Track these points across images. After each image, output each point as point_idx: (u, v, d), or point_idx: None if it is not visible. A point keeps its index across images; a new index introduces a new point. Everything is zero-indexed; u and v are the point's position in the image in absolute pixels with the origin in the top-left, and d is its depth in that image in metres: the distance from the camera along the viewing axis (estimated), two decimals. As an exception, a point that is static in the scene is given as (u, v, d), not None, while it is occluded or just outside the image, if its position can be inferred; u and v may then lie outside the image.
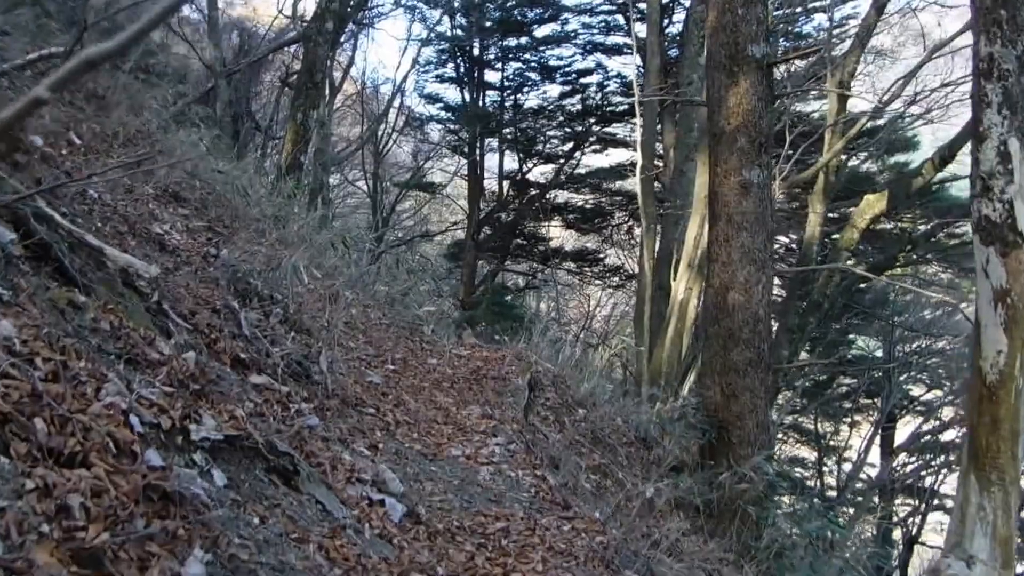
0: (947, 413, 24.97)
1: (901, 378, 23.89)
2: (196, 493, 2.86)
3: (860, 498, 22.40)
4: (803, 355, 17.46)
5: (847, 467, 24.42)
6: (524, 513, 4.93)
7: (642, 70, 15.82)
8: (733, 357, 8.56)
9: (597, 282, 22.99)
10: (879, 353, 24.78)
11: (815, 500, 9.03)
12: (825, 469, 24.71)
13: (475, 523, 4.64)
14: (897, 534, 22.35)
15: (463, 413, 6.95)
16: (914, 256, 19.58)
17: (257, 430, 3.81)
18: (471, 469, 5.50)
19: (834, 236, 18.38)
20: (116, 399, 3.03)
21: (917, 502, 24.46)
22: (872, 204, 15.66)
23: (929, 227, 18.93)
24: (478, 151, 21.44)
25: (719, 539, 7.70)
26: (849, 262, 16.07)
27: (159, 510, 2.70)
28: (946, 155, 15.46)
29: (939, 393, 25.60)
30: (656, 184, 15.83)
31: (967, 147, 17.22)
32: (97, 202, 5.96)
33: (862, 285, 18.99)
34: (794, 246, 22.21)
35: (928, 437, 24.68)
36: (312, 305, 7.92)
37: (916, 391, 25.62)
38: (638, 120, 13.60)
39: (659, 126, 16.87)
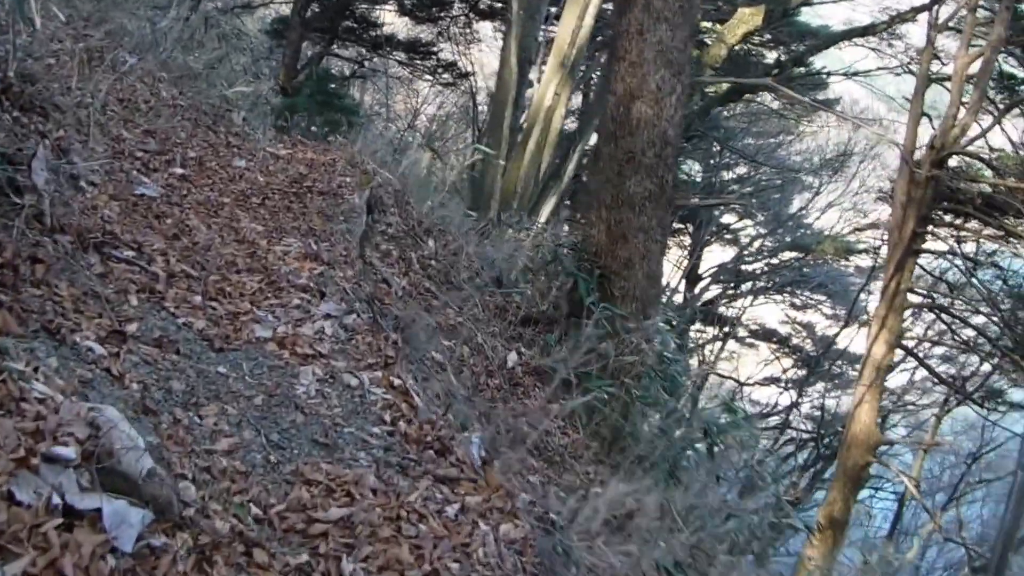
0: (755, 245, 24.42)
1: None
2: None
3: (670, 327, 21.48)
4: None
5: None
6: (378, 474, 2.73)
7: None
8: (629, 187, 6.46)
9: (428, 77, 20.28)
10: (698, 179, 23.64)
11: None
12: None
13: (292, 507, 2.42)
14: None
15: (277, 250, 4.59)
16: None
17: None
18: (286, 371, 3.21)
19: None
20: None
21: (716, 330, 24.00)
22: (746, 19, 13.62)
23: (800, 50, 17.29)
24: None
25: (589, 431, 5.83)
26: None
27: None
28: (830, -31, 13.70)
29: (748, 223, 24.94)
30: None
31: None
32: None
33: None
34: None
35: (734, 265, 24.12)
36: (70, 72, 5.25)
37: (726, 219, 24.85)
38: None
39: None
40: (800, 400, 22.11)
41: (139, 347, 2.88)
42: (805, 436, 21.37)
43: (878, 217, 22.08)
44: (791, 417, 22.03)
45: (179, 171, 5.23)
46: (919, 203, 13.99)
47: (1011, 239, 14.53)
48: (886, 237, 16.21)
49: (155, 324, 3.11)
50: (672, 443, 5.64)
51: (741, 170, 24.41)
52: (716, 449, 5.99)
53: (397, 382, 3.31)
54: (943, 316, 15.85)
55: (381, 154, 8.26)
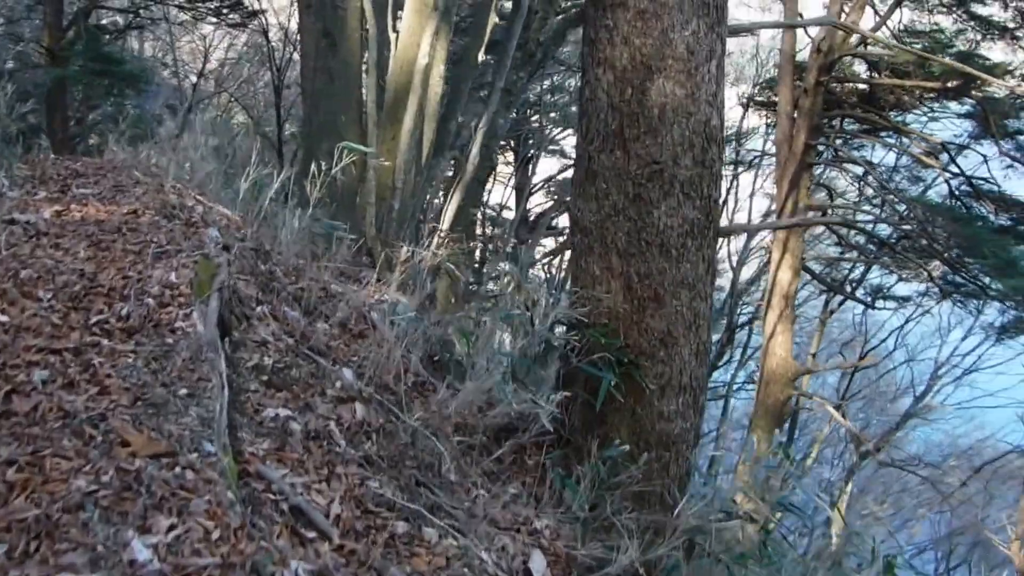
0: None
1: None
2: None
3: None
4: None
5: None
6: None
7: None
8: (659, 220, 3.72)
9: (212, 20, 16.80)
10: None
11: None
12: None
13: None
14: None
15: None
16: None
17: None
18: None
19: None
20: None
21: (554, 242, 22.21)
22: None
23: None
24: None
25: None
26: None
27: None
28: None
29: (570, 131, 23.00)
30: None
31: None
32: None
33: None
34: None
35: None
36: None
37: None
38: None
39: None
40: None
41: None
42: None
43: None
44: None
45: None
46: (809, 113, 11.94)
47: (898, 135, 12.86)
48: (774, 152, 14.18)
49: None
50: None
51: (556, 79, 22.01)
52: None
53: None
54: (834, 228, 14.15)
55: (205, 166, 5.18)
